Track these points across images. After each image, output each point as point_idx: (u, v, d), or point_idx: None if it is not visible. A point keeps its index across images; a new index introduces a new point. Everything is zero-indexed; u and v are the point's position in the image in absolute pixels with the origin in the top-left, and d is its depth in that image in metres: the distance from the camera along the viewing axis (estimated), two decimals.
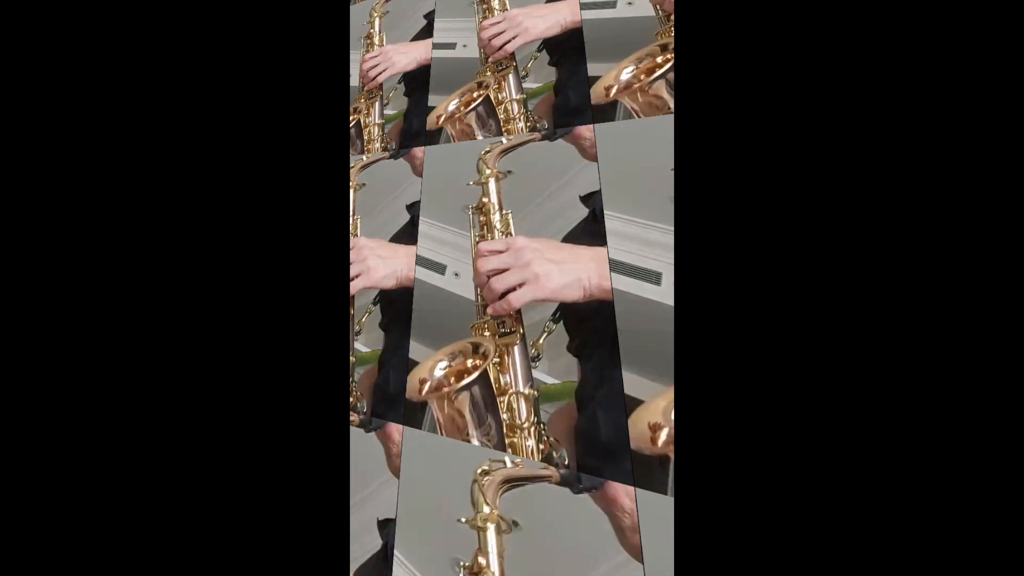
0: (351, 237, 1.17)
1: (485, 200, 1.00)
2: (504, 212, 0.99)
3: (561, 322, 0.85)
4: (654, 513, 0.66)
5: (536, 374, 0.84)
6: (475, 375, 0.92)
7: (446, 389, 0.93)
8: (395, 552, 0.82)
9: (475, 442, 0.88)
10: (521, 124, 1.04)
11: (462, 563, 0.78)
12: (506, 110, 1.07)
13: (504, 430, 0.85)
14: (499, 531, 0.78)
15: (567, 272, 0.90)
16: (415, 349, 0.95)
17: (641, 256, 0.82)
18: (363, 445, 0.94)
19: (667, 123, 0.86)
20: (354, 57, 1.40)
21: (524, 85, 1.06)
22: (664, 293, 0.78)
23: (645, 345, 0.76)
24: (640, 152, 0.88)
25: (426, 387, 0.95)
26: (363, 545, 0.86)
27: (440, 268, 1.00)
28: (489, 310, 0.95)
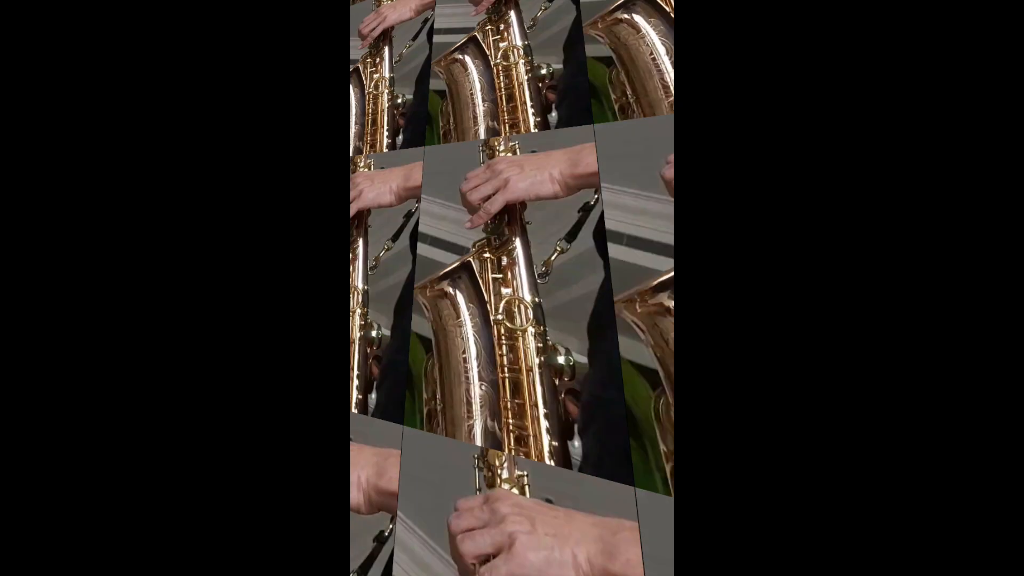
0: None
1: (492, 138, 1.03)
2: (510, 143, 1.00)
3: (575, 241, 0.85)
4: (654, 513, 0.66)
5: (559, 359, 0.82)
6: (455, 265, 0.96)
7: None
8: (399, 514, 0.84)
9: (465, 318, 0.91)
10: (522, 69, 1.05)
11: (475, 455, 0.80)
12: (506, 55, 1.08)
13: (490, 317, 0.88)
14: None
15: (535, 172, 0.93)
16: (416, 322, 0.97)
17: (635, 225, 0.82)
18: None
19: (667, 122, 0.86)
20: (354, 44, 1.42)
21: (539, 65, 1.04)
22: (655, 260, 0.78)
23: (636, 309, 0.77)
24: (637, 137, 0.87)
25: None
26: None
27: (440, 244, 1.01)
28: (467, 224, 0.98)
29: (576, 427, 0.75)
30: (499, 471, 0.78)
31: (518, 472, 0.76)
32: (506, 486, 0.76)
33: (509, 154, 0.99)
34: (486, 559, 0.72)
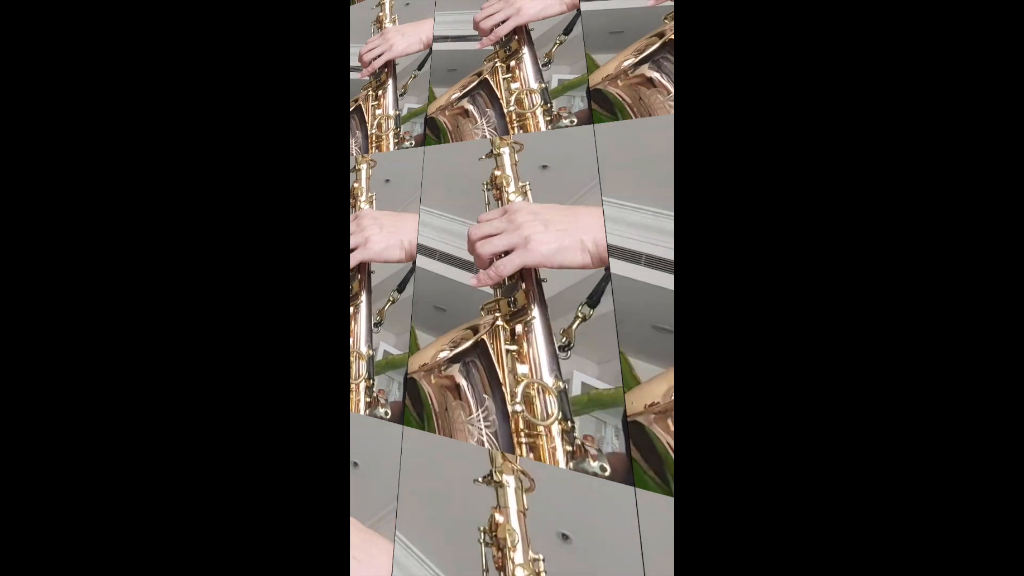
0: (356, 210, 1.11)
1: (498, 173, 0.92)
2: (521, 183, 0.89)
3: (597, 308, 0.75)
4: (654, 513, 0.65)
5: (585, 378, 0.74)
6: (465, 345, 0.84)
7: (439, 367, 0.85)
8: (397, 533, 0.79)
9: (479, 421, 0.79)
10: (541, 120, 0.94)
11: (481, 527, 0.72)
12: (519, 101, 0.98)
13: (508, 410, 0.77)
14: (519, 486, 0.72)
15: (564, 234, 0.79)
16: (419, 338, 0.90)
17: (629, 238, 0.76)
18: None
19: (667, 123, 0.81)
20: (354, 49, 1.34)
21: (557, 76, 0.95)
22: (645, 273, 0.73)
23: (640, 326, 0.72)
24: (637, 144, 0.82)
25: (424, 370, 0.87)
26: None
27: (440, 255, 0.93)
28: (472, 281, 0.86)
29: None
30: (511, 552, 0.71)
31: (532, 555, 0.70)
32: (521, 572, 0.70)
33: (521, 197, 0.88)
34: None
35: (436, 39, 1.16)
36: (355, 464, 0.89)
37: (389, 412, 0.91)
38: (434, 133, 1.07)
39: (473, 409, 0.82)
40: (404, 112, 1.15)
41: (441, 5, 1.21)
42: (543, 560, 0.69)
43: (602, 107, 0.88)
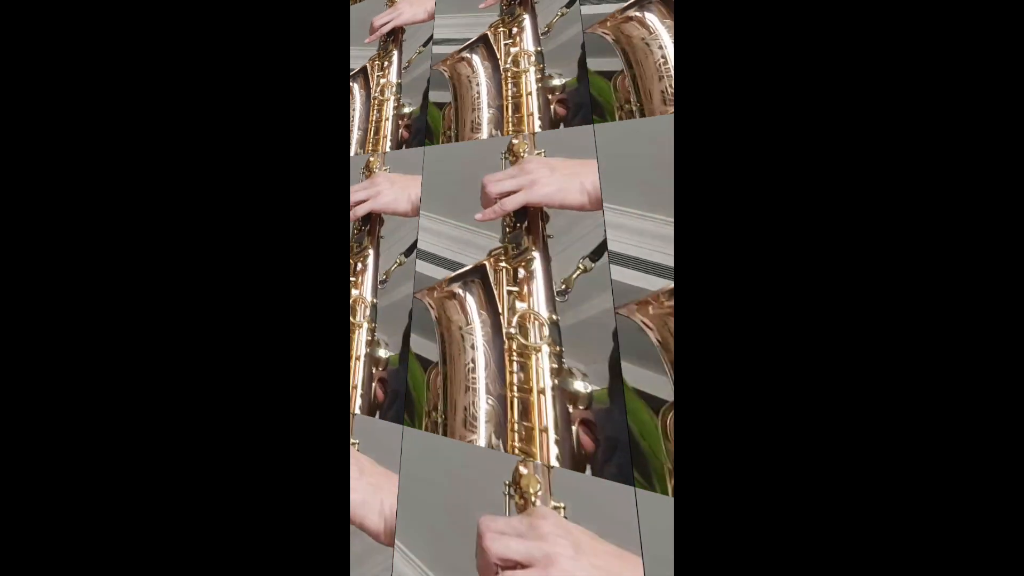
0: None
1: (515, 142, 0.96)
2: (538, 152, 0.93)
3: (600, 261, 0.79)
4: (654, 513, 0.65)
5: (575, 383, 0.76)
6: (469, 267, 0.90)
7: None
8: (397, 543, 0.79)
9: (476, 325, 0.85)
10: (532, 77, 0.99)
11: (506, 482, 0.75)
12: (515, 61, 1.02)
13: (504, 328, 0.82)
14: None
15: (566, 178, 0.86)
16: (416, 342, 0.92)
17: (627, 244, 0.78)
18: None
19: (667, 123, 0.82)
20: (354, 51, 1.37)
21: (551, 75, 0.98)
22: (638, 277, 0.75)
23: (637, 331, 0.73)
24: (637, 145, 0.84)
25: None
26: None
27: (435, 259, 0.96)
28: (477, 216, 0.93)
29: (589, 467, 0.71)
30: (533, 498, 0.73)
31: (555, 504, 0.71)
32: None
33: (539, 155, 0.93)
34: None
35: (435, 42, 1.19)
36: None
37: (389, 357, 0.95)
38: (429, 136, 1.10)
39: (470, 320, 0.87)
40: (407, 109, 1.18)
41: (441, 7, 1.24)
42: (564, 508, 0.70)
43: (594, 111, 0.91)
